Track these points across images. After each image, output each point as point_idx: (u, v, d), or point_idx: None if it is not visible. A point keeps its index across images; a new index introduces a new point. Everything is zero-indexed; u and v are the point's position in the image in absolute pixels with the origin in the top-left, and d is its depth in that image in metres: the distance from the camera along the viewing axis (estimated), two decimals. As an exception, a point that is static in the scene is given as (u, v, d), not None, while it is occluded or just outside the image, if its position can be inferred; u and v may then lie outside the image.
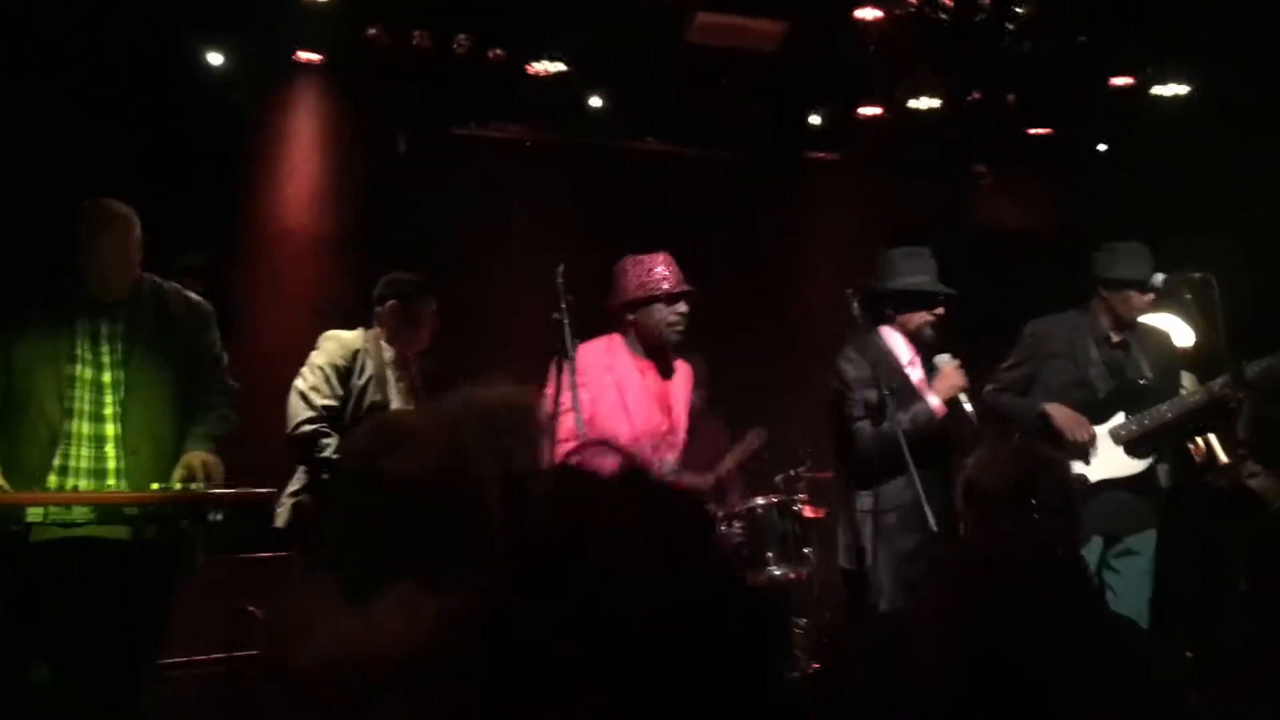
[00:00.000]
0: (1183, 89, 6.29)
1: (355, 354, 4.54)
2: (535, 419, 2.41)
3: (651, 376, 4.30)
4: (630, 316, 4.28)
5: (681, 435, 4.37)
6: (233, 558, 4.75)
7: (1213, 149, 6.01)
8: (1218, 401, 4.42)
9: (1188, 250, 4.70)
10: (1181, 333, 5.20)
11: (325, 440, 4.41)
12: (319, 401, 4.43)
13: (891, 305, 4.39)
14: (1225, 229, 5.48)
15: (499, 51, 5.91)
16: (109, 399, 3.71)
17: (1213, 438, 5.10)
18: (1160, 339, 4.77)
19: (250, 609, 4.99)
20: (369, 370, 4.54)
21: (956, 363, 4.29)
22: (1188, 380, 4.85)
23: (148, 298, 3.83)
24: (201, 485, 3.64)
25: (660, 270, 4.26)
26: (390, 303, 4.62)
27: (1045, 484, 2.59)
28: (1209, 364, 4.63)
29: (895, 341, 4.38)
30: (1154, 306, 4.70)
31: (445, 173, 6.33)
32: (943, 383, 4.25)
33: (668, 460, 4.24)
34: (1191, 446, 5.09)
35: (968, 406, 4.25)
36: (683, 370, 4.44)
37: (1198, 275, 4.54)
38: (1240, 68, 5.82)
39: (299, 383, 4.50)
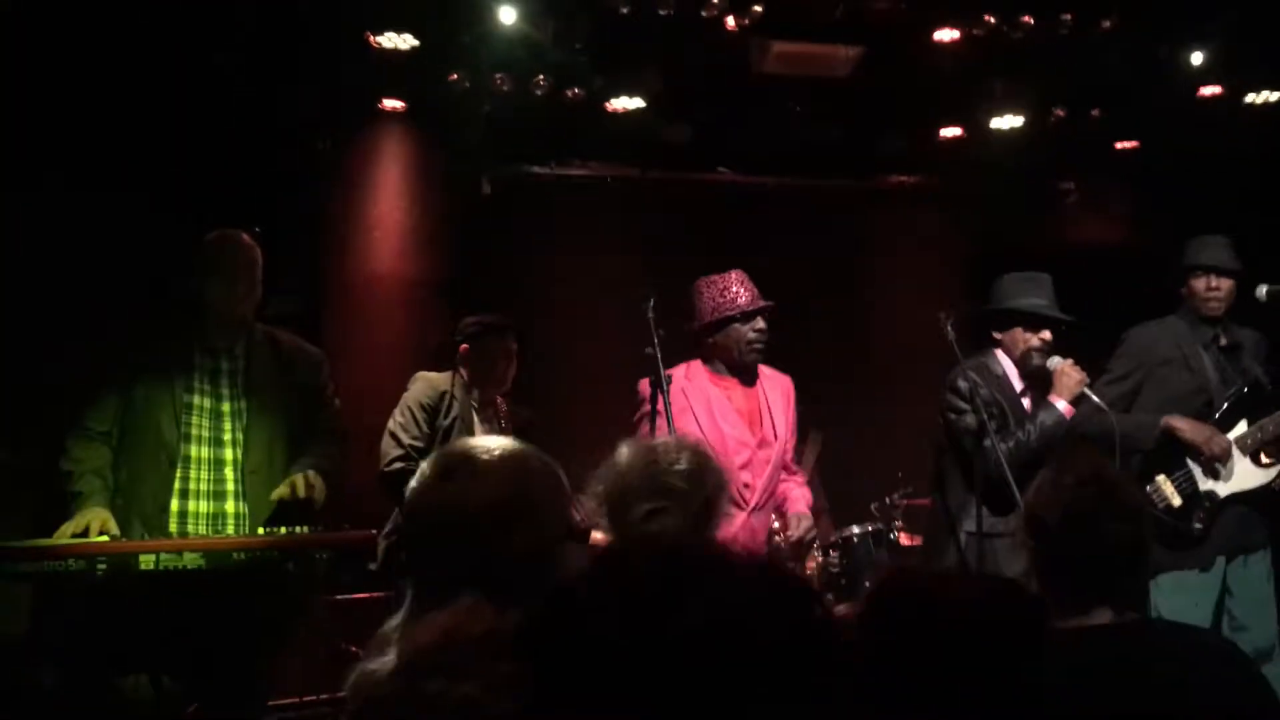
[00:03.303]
0: (1274, 95, 6.13)
1: (442, 395, 4.60)
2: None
3: (736, 393, 4.24)
4: (709, 339, 4.23)
5: (780, 448, 4.25)
6: (331, 600, 4.81)
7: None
8: None
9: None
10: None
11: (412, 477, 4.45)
12: (406, 440, 4.51)
13: (999, 328, 4.31)
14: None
15: (577, 91, 5.97)
16: (227, 425, 3.87)
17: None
18: (1258, 341, 4.58)
19: (351, 649, 5.06)
20: (455, 411, 4.59)
21: (1069, 360, 4.19)
22: None
23: (262, 341, 3.97)
24: (302, 495, 3.75)
25: (734, 289, 4.19)
26: (462, 345, 4.67)
27: (1110, 517, 2.27)
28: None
29: (1007, 367, 4.31)
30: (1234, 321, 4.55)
31: (530, 213, 6.40)
32: (1064, 382, 4.15)
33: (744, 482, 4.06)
34: None
35: (1094, 398, 4.15)
36: (782, 386, 4.34)
37: (1301, 287, 4.40)
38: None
39: (390, 422, 4.59)
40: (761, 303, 4.19)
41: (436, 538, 1.88)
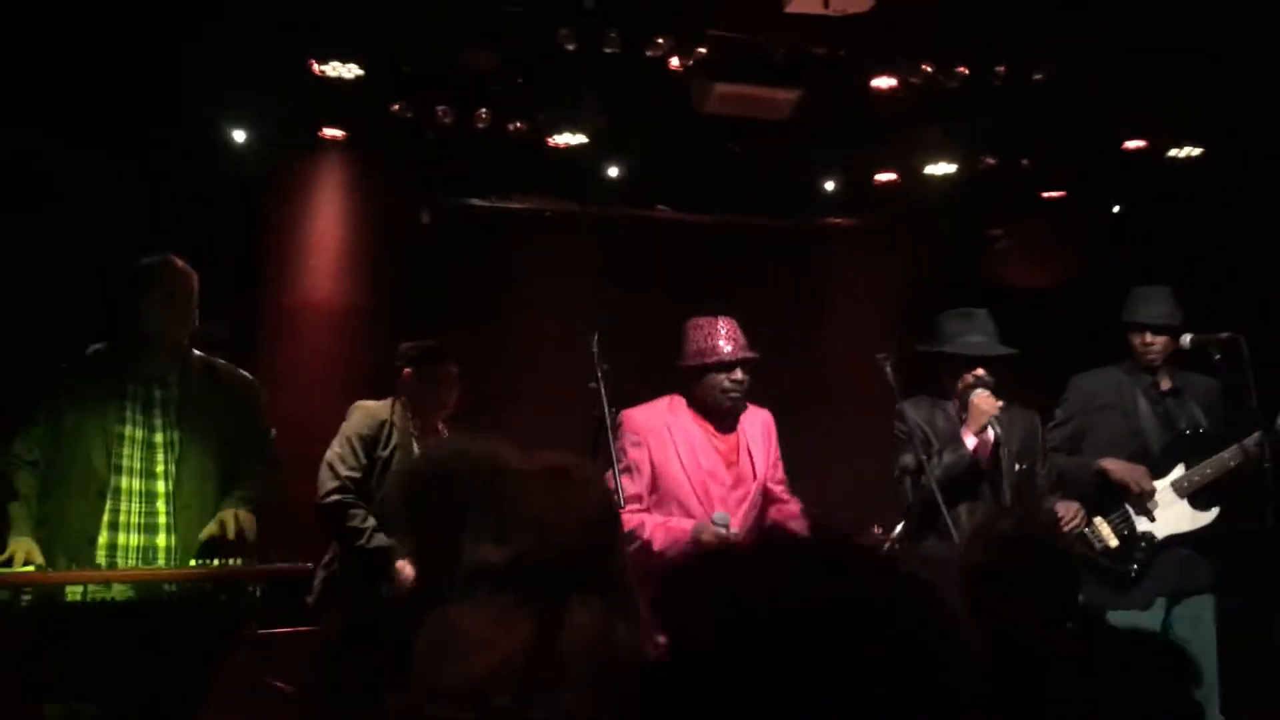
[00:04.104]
0: (1196, 150, 6.36)
1: (381, 424, 4.57)
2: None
3: (714, 433, 4.28)
4: (690, 380, 4.28)
5: (758, 485, 4.29)
6: (261, 634, 4.70)
7: (1228, 208, 6.09)
8: (1253, 460, 4.40)
9: (1212, 309, 4.72)
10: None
11: (353, 511, 4.43)
12: (344, 472, 4.48)
13: (941, 368, 4.42)
14: (1252, 286, 5.52)
15: (519, 125, 5.99)
16: (160, 457, 3.79)
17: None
18: (1208, 387, 4.72)
19: (278, 685, 4.95)
20: (394, 440, 4.57)
21: (986, 392, 4.28)
22: None
23: (197, 369, 3.90)
24: (232, 537, 3.68)
25: (719, 338, 4.22)
26: (405, 370, 4.65)
27: (1039, 564, 2.37)
28: (1240, 424, 4.60)
29: (953, 405, 4.40)
30: (1182, 367, 4.70)
31: (468, 245, 6.39)
32: (973, 414, 4.26)
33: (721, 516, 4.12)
34: None
35: (996, 429, 4.24)
36: (761, 422, 4.39)
37: (1225, 335, 4.54)
38: (1254, 127, 5.89)
39: (329, 453, 4.55)
40: (743, 354, 4.22)
41: (558, 547, 1.89)
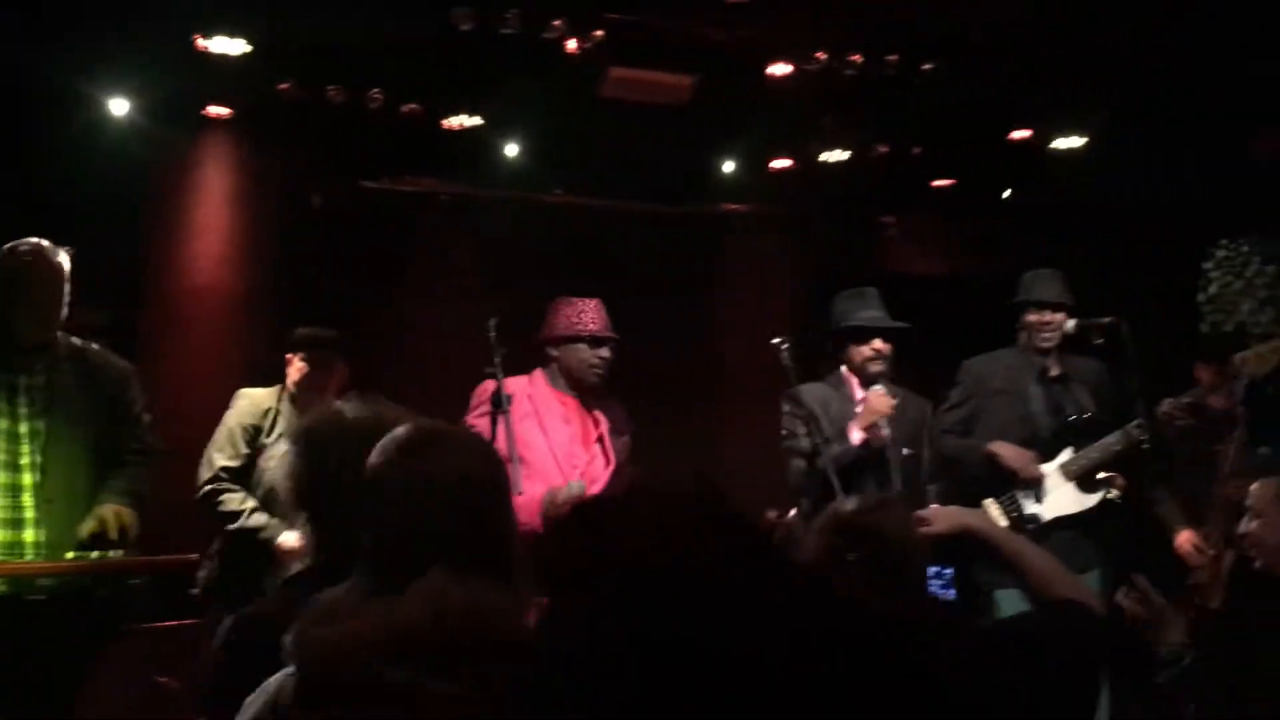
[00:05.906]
0: (1078, 141, 6.54)
1: (266, 412, 4.55)
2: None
3: (572, 411, 4.37)
4: (554, 352, 4.39)
5: (605, 473, 4.35)
6: (147, 627, 4.56)
7: (1108, 196, 6.30)
8: (1134, 444, 4.55)
9: (1093, 296, 4.86)
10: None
11: (227, 495, 4.43)
12: (220, 462, 4.48)
13: (839, 348, 4.53)
14: (1131, 272, 5.71)
15: (414, 106, 5.89)
16: (25, 448, 3.57)
17: None
18: (1094, 371, 4.84)
19: (163, 680, 4.81)
20: (279, 427, 4.52)
21: (881, 389, 4.39)
22: None
23: (66, 354, 3.71)
24: (114, 536, 3.52)
25: (590, 314, 4.37)
26: (291, 357, 4.62)
27: (858, 554, 2.36)
28: (1123, 408, 4.74)
29: (853, 384, 4.51)
30: (1068, 352, 4.83)
31: (359, 227, 6.27)
32: (863, 410, 4.38)
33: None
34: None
35: (885, 430, 4.35)
36: (608, 412, 4.47)
37: (1105, 320, 4.67)
38: (1131, 120, 6.09)
39: (210, 444, 4.49)
40: (610, 334, 4.38)
41: (409, 514, 1.81)
